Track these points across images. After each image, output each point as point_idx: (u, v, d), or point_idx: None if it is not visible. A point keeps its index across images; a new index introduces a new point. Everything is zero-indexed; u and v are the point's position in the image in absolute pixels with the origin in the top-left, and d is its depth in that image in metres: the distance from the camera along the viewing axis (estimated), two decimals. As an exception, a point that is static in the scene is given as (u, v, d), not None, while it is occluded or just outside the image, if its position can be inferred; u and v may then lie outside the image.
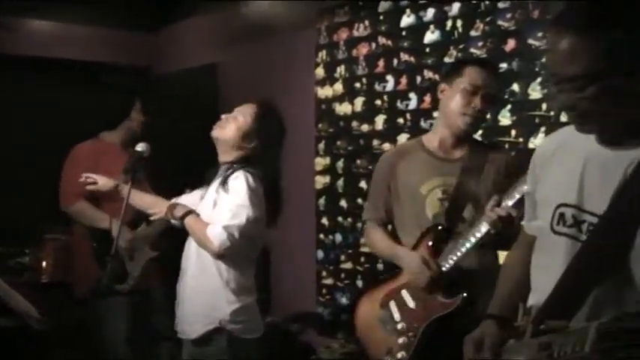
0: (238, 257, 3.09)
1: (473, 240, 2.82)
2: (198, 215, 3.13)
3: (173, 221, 3.20)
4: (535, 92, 3.98)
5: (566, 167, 1.92)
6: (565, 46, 1.70)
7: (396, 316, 3.04)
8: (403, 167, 3.12)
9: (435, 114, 4.40)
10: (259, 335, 3.17)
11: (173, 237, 3.47)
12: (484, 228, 2.75)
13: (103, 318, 4.17)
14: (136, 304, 4.18)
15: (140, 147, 3.41)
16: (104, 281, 3.72)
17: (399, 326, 3.01)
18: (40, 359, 4.61)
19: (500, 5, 4.17)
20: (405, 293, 3.04)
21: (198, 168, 3.35)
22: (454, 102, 2.98)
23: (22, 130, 6.69)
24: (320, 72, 5.42)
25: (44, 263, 5.52)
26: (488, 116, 4.13)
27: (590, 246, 1.81)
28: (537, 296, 1.95)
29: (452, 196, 3.01)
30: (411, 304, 3.01)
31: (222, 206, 3.04)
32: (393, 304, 3.07)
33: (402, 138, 4.71)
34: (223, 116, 3.22)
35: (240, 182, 3.03)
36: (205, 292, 3.11)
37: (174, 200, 3.34)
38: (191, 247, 3.18)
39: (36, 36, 6.98)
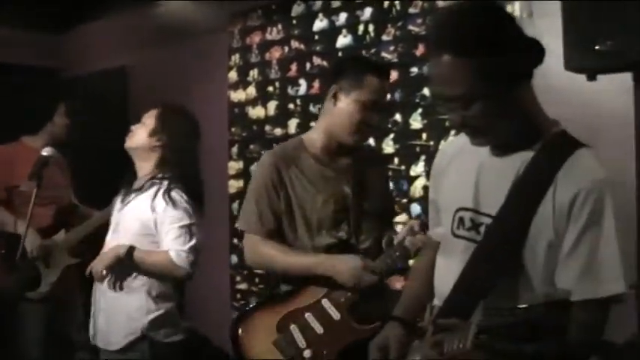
0: None
1: (399, 265, 2.73)
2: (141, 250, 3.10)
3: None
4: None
5: (462, 173, 2.00)
6: (444, 69, 1.77)
7: (300, 342, 2.71)
8: (293, 176, 2.83)
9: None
10: (180, 339, 3.21)
11: (94, 244, 3.41)
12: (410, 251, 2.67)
13: (16, 325, 4.06)
14: (51, 311, 4.07)
15: (46, 151, 3.34)
16: (12, 287, 3.63)
17: (306, 354, 2.69)
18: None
19: (411, 10, 4.22)
20: (309, 316, 2.75)
21: (113, 174, 3.32)
22: (349, 115, 2.75)
23: None
24: (233, 75, 5.39)
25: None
26: (400, 119, 4.20)
27: (486, 245, 1.87)
28: (439, 297, 2.02)
29: (349, 209, 2.83)
30: (319, 328, 2.72)
31: (170, 229, 3.05)
32: (294, 328, 2.73)
33: (315, 141, 4.71)
34: (133, 127, 3.21)
35: (178, 202, 3.07)
36: (126, 302, 3.09)
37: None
38: None
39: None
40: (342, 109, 2.77)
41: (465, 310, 1.83)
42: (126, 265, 3.04)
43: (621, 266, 1.75)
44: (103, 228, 3.39)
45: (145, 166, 3.20)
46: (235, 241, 5.35)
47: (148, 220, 3.07)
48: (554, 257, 1.79)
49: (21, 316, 4.06)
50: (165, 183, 3.10)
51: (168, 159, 3.16)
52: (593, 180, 1.76)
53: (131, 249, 3.04)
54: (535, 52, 1.82)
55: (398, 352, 2.02)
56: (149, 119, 3.20)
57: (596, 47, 2.91)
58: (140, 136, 3.18)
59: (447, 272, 1.98)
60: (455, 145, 2.13)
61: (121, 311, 3.08)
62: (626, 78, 3.06)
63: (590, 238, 1.75)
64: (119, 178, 3.33)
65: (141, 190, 3.15)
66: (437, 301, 2.03)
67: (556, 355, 1.30)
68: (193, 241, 3.06)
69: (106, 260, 3.06)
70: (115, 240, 3.15)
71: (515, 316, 1.35)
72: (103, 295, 3.14)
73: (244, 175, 5.28)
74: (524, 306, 1.34)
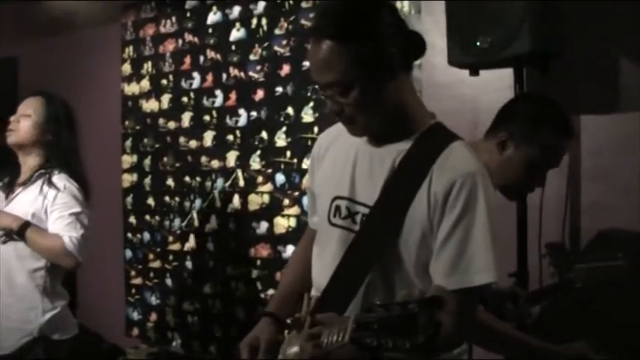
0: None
1: None
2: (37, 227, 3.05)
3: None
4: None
5: (339, 161, 2.02)
6: (322, 55, 1.79)
7: None
8: None
9: (240, 111, 4.49)
10: (73, 335, 3.21)
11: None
12: None
13: None
14: None
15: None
16: None
17: None
18: None
19: (304, 5, 4.26)
20: None
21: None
22: (516, 169, 2.43)
23: None
24: (127, 68, 5.31)
25: None
26: (292, 113, 4.23)
27: (363, 235, 1.90)
28: (316, 287, 2.03)
29: None
30: None
31: (61, 215, 3.03)
32: None
33: (209, 135, 4.71)
34: (12, 118, 3.15)
35: (69, 189, 3.07)
36: (19, 305, 3.04)
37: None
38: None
39: None
40: (510, 159, 2.45)
41: (342, 302, 1.86)
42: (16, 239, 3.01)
43: (492, 256, 1.78)
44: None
45: (30, 159, 3.15)
46: (129, 235, 5.29)
47: (38, 209, 3.03)
48: (428, 249, 1.82)
49: None
50: (55, 171, 3.07)
51: (54, 149, 3.12)
52: (468, 171, 1.80)
53: (26, 224, 3.01)
54: (415, 44, 1.86)
55: (268, 349, 2.00)
56: (29, 110, 3.14)
57: (477, 43, 3.00)
58: (24, 129, 3.12)
59: (324, 262, 1.99)
60: (332, 134, 2.16)
61: (15, 316, 3.03)
62: (508, 73, 3.16)
63: (462, 229, 1.78)
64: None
65: (28, 182, 3.09)
66: (315, 292, 2.03)
67: (430, 348, 1.34)
68: (83, 230, 3.05)
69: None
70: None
71: (390, 311, 1.38)
72: None
73: (137, 168, 5.22)
74: (399, 301, 1.37)
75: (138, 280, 5.28)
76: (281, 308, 2.14)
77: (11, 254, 3.05)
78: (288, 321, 1.99)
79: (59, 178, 3.07)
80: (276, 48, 4.40)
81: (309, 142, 4.18)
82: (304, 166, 4.20)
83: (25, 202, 3.07)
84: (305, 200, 4.18)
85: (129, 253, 5.32)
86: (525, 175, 2.46)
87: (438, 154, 1.83)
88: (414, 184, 1.83)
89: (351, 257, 1.91)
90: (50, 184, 3.05)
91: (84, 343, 5.04)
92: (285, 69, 4.34)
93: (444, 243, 1.79)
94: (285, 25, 4.36)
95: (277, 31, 4.40)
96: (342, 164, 1.99)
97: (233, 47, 4.63)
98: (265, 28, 4.47)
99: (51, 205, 3.03)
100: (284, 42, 4.37)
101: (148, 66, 5.17)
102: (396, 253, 1.85)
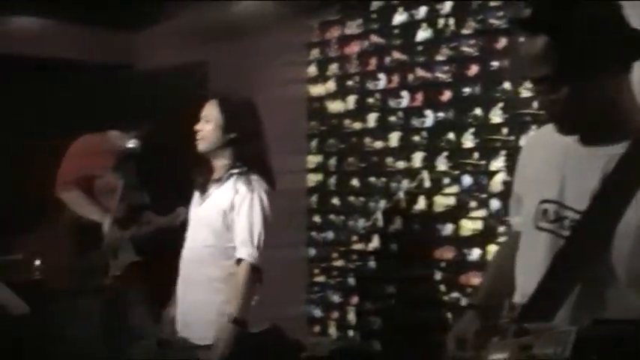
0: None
1: None
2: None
3: None
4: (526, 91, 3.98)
5: (547, 164, 1.96)
6: (535, 49, 1.74)
7: None
8: None
9: (427, 112, 4.46)
10: (265, 328, 3.34)
11: (159, 245, 3.49)
12: None
13: (78, 313, 4.18)
14: (112, 301, 4.17)
15: (132, 143, 3.42)
16: (100, 277, 3.73)
17: None
18: (14, 355, 4.62)
19: (492, 4, 4.17)
20: None
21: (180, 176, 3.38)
22: None
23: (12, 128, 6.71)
24: (312, 70, 5.42)
25: (35, 261, 5.55)
26: (480, 113, 4.16)
27: (572, 243, 1.82)
28: (521, 293, 1.96)
29: None
30: None
31: (244, 225, 3.15)
32: None
33: (394, 136, 4.72)
34: (197, 127, 3.27)
35: (254, 191, 3.17)
36: (216, 298, 3.17)
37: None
38: (192, 256, 3.21)
39: (18, 32, 6.97)
40: None
41: (549, 312, 1.78)
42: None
43: None
44: (167, 232, 3.44)
45: (219, 161, 3.26)
46: (313, 234, 5.39)
47: (228, 209, 3.13)
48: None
49: (83, 305, 4.16)
50: (244, 170, 3.16)
51: (241, 149, 3.21)
52: None
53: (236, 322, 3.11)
54: (636, 43, 1.77)
55: (475, 345, 1.98)
56: (208, 115, 3.25)
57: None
58: (207, 135, 3.23)
59: (529, 267, 1.93)
60: (540, 134, 2.10)
61: (212, 306, 3.16)
62: None
63: None
64: (185, 182, 3.40)
65: (220, 180, 3.21)
66: (518, 298, 1.97)
67: None
68: (262, 236, 3.16)
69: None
70: (196, 233, 3.22)
71: (621, 330, 1.30)
72: (190, 290, 3.22)
73: (322, 168, 5.31)
74: (630, 319, 1.29)
75: (321, 278, 5.37)
76: (486, 302, 2.11)
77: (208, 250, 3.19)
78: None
79: (247, 179, 3.15)
80: (463, 48, 4.34)
81: (498, 144, 4.09)
82: (492, 168, 4.11)
83: (218, 201, 3.18)
84: (493, 203, 4.10)
85: (312, 251, 5.42)
86: None
87: None
88: (629, 192, 1.74)
89: (560, 265, 1.83)
90: (238, 184, 3.14)
91: (267, 338, 5.21)
92: (473, 69, 4.26)
93: None
94: (473, 24, 4.29)
95: (465, 31, 4.33)
96: (550, 167, 1.93)
97: (419, 48, 4.61)
98: (452, 27, 4.41)
99: (239, 207, 3.12)
100: (472, 42, 4.29)
101: (333, 67, 5.24)
102: (608, 263, 1.76)
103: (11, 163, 6.52)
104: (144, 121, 4.38)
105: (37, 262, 5.53)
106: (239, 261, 3.10)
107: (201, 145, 3.26)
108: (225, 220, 3.14)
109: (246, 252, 3.08)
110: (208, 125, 3.24)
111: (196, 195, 3.33)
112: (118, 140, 4.27)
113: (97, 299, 4.14)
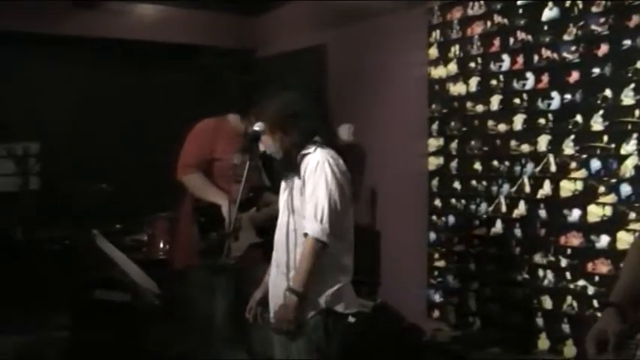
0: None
1: None
2: None
3: None
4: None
5: None
6: None
7: None
8: None
9: (553, 94, 4.33)
10: (355, 310, 3.25)
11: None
12: None
13: (203, 293, 4.28)
14: (235, 281, 4.24)
15: (258, 126, 3.45)
16: (222, 257, 3.79)
17: None
18: (140, 334, 4.79)
19: (623, -18, 4.00)
20: None
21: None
22: None
23: (134, 115, 7.00)
24: (433, 52, 5.35)
25: (160, 241, 5.74)
26: (610, 95, 4.00)
27: None
28: None
29: None
30: None
31: (310, 201, 3.11)
32: None
33: (519, 118, 4.60)
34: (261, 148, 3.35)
35: (320, 165, 3.11)
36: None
37: None
38: (281, 240, 3.24)
39: (145, 19, 7.22)
40: None
41: None
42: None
43: None
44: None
45: (290, 148, 3.28)
46: (434, 218, 5.33)
47: (301, 184, 3.15)
48: None
49: (208, 285, 4.26)
50: (311, 147, 3.16)
51: (304, 128, 3.21)
52: None
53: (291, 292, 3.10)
54: None
55: (618, 344, 1.90)
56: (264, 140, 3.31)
57: None
58: (267, 140, 3.28)
59: None
60: None
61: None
62: None
63: None
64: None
65: (292, 163, 3.23)
66: None
67: None
68: (329, 211, 3.07)
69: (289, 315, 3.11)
70: (283, 218, 3.25)
71: None
72: (280, 276, 3.26)
73: (443, 152, 5.24)
74: None
75: (441, 263, 5.31)
76: (625, 300, 2.02)
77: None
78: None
79: (314, 156, 3.13)
80: (592, 27, 4.17)
81: (629, 127, 3.92)
82: (623, 152, 3.95)
83: (293, 183, 3.20)
84: (624, 188, 3.94)
85: (433, 236, 5.37)
86: None
87: None
88: None
89: None
90: (305, 162, 3.14)
91: (384, 320, 5.21)
92: (603, 49, 4.09)
93: None
94: (603, 2, 4.12)
95: (594, 9, 4.16)
96: None
97: (545, 27, 4.46)
98: (580, 6, 4.25)
99: (307, 184, 3.12)
100: (601, 20, 4.12)
101: (455, 49, 5.16)
102: None
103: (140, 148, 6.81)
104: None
105: (162, 244, 5.73)
106: (305, 235, 3.10)
107: (267, 150, 3.33)
108: (302, 200, 3.16)
109: (310, 227, 3.07)
110: (268, 141, 3.29)
111: (282, 183, 3.37)
112: (237, 124, 4.33)
113: (220, 279, 4.23)
